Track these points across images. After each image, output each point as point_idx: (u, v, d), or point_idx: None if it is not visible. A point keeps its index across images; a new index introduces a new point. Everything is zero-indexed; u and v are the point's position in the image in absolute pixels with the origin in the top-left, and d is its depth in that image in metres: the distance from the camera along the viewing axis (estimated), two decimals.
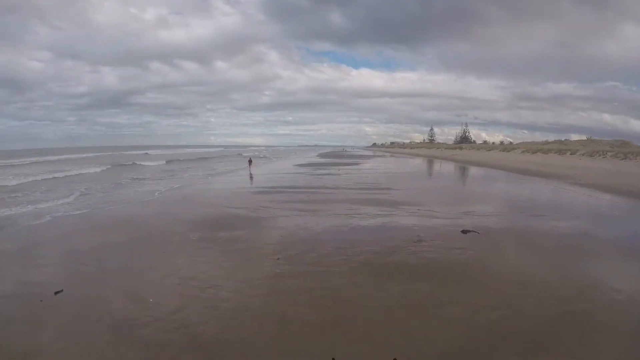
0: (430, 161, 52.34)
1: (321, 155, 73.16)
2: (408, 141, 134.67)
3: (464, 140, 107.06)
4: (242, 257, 7.92)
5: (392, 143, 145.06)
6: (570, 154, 41.21)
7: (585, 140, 56.47)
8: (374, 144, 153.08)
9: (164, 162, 44.09)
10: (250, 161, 36.22)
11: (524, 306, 5.51)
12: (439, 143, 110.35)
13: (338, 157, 65.81)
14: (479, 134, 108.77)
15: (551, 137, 67.29)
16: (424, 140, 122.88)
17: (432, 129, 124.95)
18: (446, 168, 38.77)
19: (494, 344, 4.55)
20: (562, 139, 62.16)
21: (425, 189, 20.22)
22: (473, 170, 34.34)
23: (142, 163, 40.13)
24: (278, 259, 7.70)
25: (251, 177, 26.61)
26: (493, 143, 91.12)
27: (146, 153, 61.75)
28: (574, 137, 65.94)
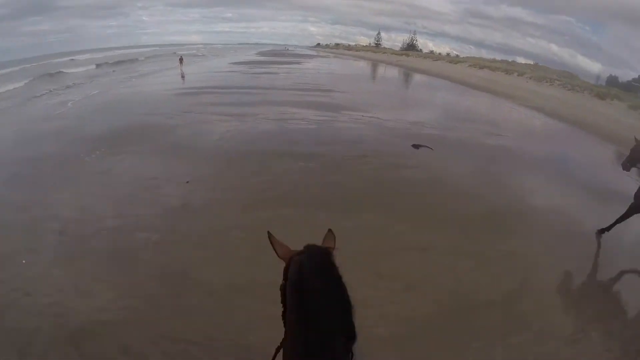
0: (375, 65, 49.78)
1: (261, 54, 67.03)
2: (354, 44, 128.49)
3: (410, 47, 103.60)
4: (142, 183, 5.91)
5: (337, 45, 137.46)
6: (518, 75, 40.55)
7: (532, 65, 56.15)
8: (318, 44, 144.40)
9: (94, 66, 36.30)
10: (181, 59, 31.23)
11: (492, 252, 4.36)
12: (385, 48, 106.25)
13: (279, 55, 60.66)
14: (426, 44, 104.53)
15: (498, 57, 66.29)
16: (370, 44, 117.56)
17: (379, 33, 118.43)
18: (392, 73, 37.02)
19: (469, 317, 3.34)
20: (509, 60, 61.55)
21: (370, 92, 18.56)
22: (419, 78, 32.88)
23: (69, 71, 32.61)
24: (187, 182, 5.87)
25: (183, 77, 23.19)
26: (440, 54, 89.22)
27: (71, 59, 51.75)
28: (520, 59, 63.78)
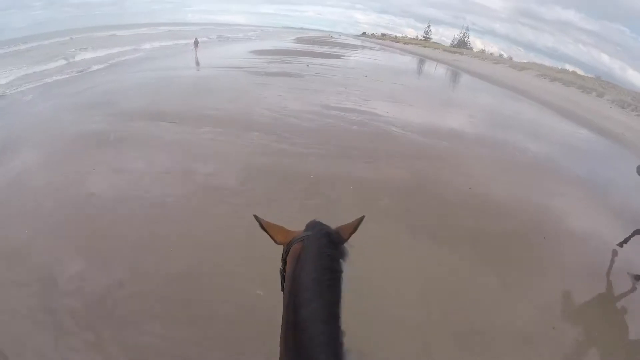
0: (432, 64, 42.24)
1: (298, 40, 60.36)
2: (401, 35, 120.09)
3: (461, 44, 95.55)
4: None
5: (383, 35, 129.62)
6: (597, 96, 31.77)
7: (600, 80, 46.34)
8: (364, 34, 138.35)
9: (114, 50, 28.86)
10: (196, 43, 28.52)
11: None
12: (434, 42, 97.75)
13: (319, 44, 53.83)
14: (474, 41, 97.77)
15: (546, 62, 60.32)
16: (418, 36, 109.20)
17: (429, 26, 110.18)
18: (466, 84, 29.14)
19: None
20: (559, 67, 53.73)
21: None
22: (502, 95, 24.31)
23: (84, 56, 26.18)
24: None
25: (197, 63, 22.72)
26: (492, 54, 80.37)
27: (113, 34, 47.91)
28: (568, 66, 58.50)
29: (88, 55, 25.81)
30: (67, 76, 16.98)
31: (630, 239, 5.22)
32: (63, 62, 21.98)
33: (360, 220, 1.41)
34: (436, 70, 37.26)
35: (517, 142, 11.22)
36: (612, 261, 5.18)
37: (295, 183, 5.64)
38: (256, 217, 1.38)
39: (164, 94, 12.69)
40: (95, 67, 19.85)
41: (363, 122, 10.36)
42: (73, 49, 27.77)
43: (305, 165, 6.63)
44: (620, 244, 5.32)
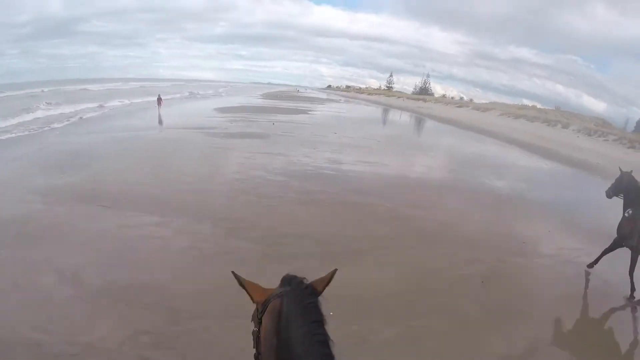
0: (397, 113, 42.35)
1: (265, 96, 60.37)
2: (364, 86, 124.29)
3: (423, 91, 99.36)
4: None
5: (348, 87, 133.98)
6: (562, 127, 32.73)
7: (555, 110, 48.66)
8: (329, 86, 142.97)
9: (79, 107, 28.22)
10: (159, 100, 27.76)
11: None
12: (397, 91, 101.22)
13: (286, 99, 53.81)
14: (435, 87, 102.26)
15: (504, 100, 64.95)
16: (381, 86, 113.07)
17: (391, 75, 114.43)
18: (436, 131, 28.96)
19: None
20: (519, 104, 57.55)
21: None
22: (470, 139, 24.28)
23: (48, 112, 25.19)
24: None
25: (160, 121, 22.21)
26: (452, 98, 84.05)
27: (84, 89, 48.55)
28: (526, 101, 62.27)
29: (51, 111, 25.25)
30: (22, 134, 15.87)
31: (600, 258, 5.39)
32: (27, 117, 21.44)
33: (333, 273, 1.37)
34: (404, 119, 37.27)
35: (510, 192, 10.32)
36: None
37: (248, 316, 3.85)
38: (234, 274, 1.34)
39: (109, 163, 10.88)
40: (54, 125, 18.71)
41: (337, 194, 8.76)
42: (40, 103, 27.47)
43: (261, 280, 4.77)
44: (591, 265, 5.50)
